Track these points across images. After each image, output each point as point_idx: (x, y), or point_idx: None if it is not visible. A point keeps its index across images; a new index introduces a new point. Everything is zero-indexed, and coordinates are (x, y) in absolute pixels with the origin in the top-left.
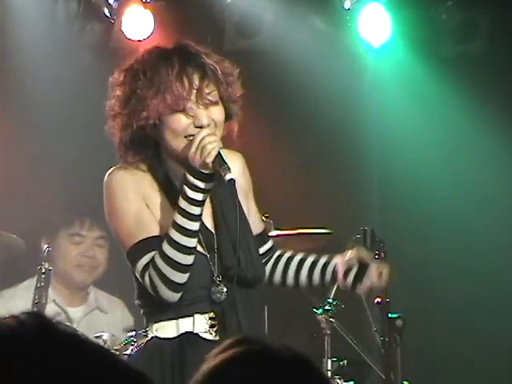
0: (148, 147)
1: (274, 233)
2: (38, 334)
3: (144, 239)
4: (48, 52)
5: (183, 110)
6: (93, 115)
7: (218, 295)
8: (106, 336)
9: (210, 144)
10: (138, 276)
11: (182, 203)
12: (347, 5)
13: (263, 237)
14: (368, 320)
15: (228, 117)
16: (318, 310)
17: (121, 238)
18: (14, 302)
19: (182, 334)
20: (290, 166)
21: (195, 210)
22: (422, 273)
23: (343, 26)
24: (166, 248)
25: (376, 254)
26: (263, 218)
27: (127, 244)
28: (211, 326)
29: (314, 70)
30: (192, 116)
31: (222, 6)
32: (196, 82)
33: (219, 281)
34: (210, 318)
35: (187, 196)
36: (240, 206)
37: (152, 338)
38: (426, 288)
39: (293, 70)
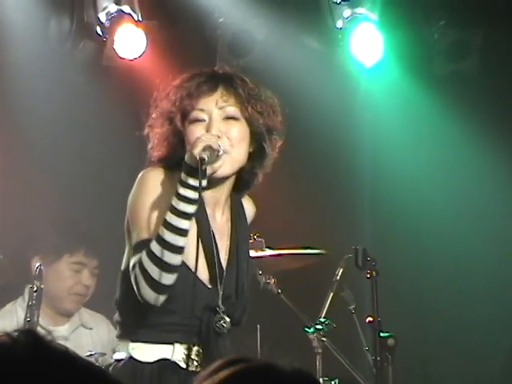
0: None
1: (265, 252)
2: (32, 351)
3: (145, 239)
4: (40, 70)
5: (198, 120)
6: (85, 133)
7: (223, 325)
8: (96, 354)
9: (201, 140)
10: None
11: (173, 200)
12: (339, 24)
13: None
14: (360, 339)
15: (255, 138)
16: (309, 328)
17: (130, 232)
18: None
19: (160, 359)
20: (281, 185)
21: (184, 208)
22: (413, 292)
23: (335, 45)
24: (153, 245)
25: (368, 273)
26: (255, 237)
27: (134, 239)
28: (188, 356)
29: (306, 90)
30: (207, 127)
31: (215, 25)
32: (218, 94)
33: (222, 312)
34: (189, 348)
35: (177, 192)
36: (248, 247)
37: (129, 357)
38: (417, 307)
39: (285, 89)
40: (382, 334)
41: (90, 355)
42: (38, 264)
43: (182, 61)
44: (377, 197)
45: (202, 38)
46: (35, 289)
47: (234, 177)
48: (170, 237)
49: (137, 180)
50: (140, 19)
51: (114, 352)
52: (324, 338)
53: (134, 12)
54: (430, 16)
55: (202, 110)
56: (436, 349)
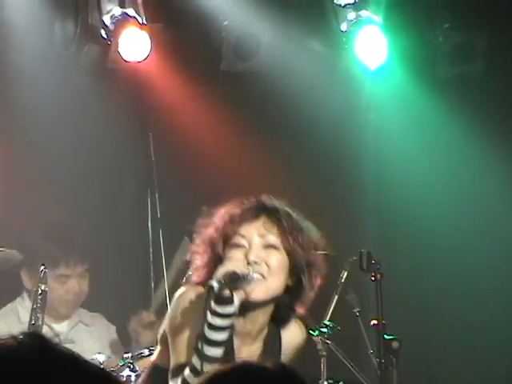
0: None
1: None
2: (37, 354)
3: (182, 363)
4: (45, 73)
5: (238, 246)
6: (90, 135)
7: None
8: (101, 357)
9: (227, 265)
10: None
11: (204, 327)
12: (344, 27)
13: None
14: (364, 342)
15: (294, 271)
16: (314, 331)
17: (168, 346)
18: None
19: None
20: (285, 187)
21: (212, 335)
22: (418, 294)
23: (340, 48)
24: (188, 375)
25: (372, 276)
26: None
27: (173, 362)
28: None
29: (310, 92)
30: (246, 253)
31: (219, 28)
32: (260, 222)
33: None
34: None
35: (206, 319)
36: None
37: None
38: (422, 310)
39: (289, 91)
40: (386, 337)
41: (94, 358)
42: (42, 267)
43: (186, 64)
44: (381, 199)
45: (206, 40)
46: (40, 292)
47: (270, 309)
48: (200, 365)
49: (175, 298)
50: (144, 22)
51: (112, 350)
52: (328, 341)
53: (139, 15)
54: (434, 19)
55: (242, 236)
56: (440, 351)
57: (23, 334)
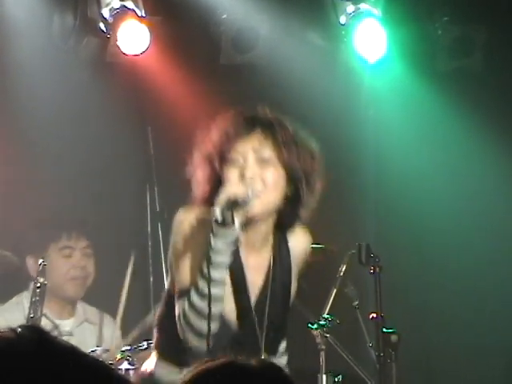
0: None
1: None
2: (36, 347)
3: (187, 286)
4: (43, 66)
5: (234, 161)
6: (89, 129)
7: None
8: (99, 351)
9: (228, 190)
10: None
11: (208, 251)
12: (343, 20)
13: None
14: (363, 335)
15: (292, 182)
16: (312, 325)
17: (173, 279)
18: (4, 317)
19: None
20: None
21: (214, 257)
22: (417, 288)
23: (339, 41)
24: (194, 297)
25: (371, 269)
26: None
27: (177, 286)
28: None
29: (309, 85)
30: (242, 169)
31: (218, 21)
32: (255, 138)
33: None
34: None
35: (210, 244)
36: (290, 288)
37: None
38: (421, 303)
39: (288, 85)
40: (385, 330)
41: (93, 351)
42: (41, 260)
43: (185, 57)
44: (380, 193)
45: (205, 33)
46: (38, 285)
47: (272, 218)
48: (206, 287)
49: (175, 222)
50: (143, 15)
51: (118, 348)
52: (327, 335)
53: (138, 8)
54: (433, 12)
55: (237, 152)
56: (439, 345)
57: (22, 326)
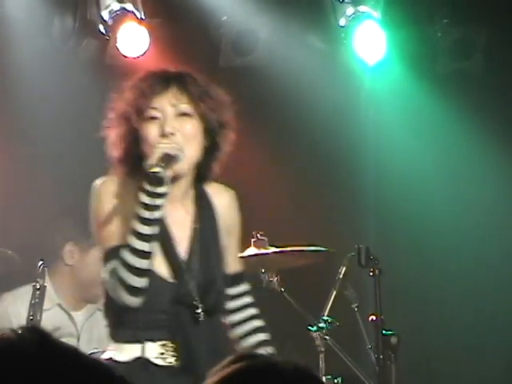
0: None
1: (269, 250)
2: (38, 348)
3: (113, 247)
4: (43, 68)
5: (152, 118)
6: (89, 131)
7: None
8: (99, 353)
9: (157, 149)
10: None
11: (138, 208)
12: (342, 22)
13: (239, 277)
14: (363, 337)
15: (208, 133)
16: (312, 327)
17: (100, 244)
18: (16, 306)
19: (134, 358)
20: (285, 182)
21: (146, 215)
22: (416, 290)
23: (338, 43)
24: (125, 254)
25: (371, 271)
26: (258, 235)
27: (103, 250)
28: (164, 353)
29: (309, 88)
30: (161, 125)
31: (218, 24)
32: (171, 93)
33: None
34: (163, 345)
35: (139, 200)
36: (217, 237)
37: (108, 358)
38: (420, 305)
39: (288, 87)
40: (384, 333)
41: (93, 353)
42: (40, 262)
43: (185, 59)
44: (380, 195)
45: (205, 36)
46: (38, 287)
47: (191, 172)
48: (138, 244)
49: (95, 190)
50: (143, 17)
51: None
52: (327, 337)
53: (137, 10)
54: (433, 14)
55: (155, 109)
56: (439, 347)
57: (23, 327)
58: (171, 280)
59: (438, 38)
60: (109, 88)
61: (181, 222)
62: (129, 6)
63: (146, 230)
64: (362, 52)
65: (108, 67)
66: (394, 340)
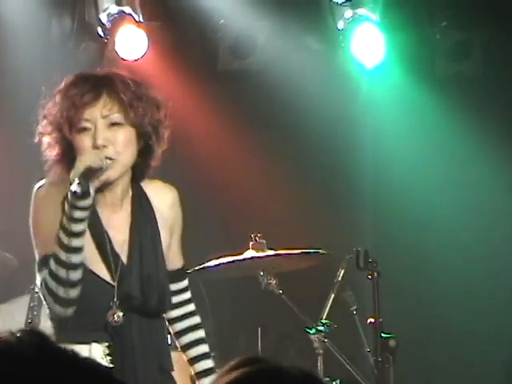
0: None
1: (267, 253)
2: (37, 351)
3: (45, 255)
4: (41, 71)
5: (84, 129)
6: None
7: (114, 319)
8: None
9: (80, 162)
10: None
11: (64, 219)
12: (340, 25)
13: (179, 274)
14: (361, 340)
15: (142, 137)
16: (310, 329)
17: (36, 249)
18: (12, 317)
19: None
20: (283, 185)
21: (73, 227)
22: (415, 293)
23: (336, 46)
24: (52, 264)
25: (369, 274)
26: (256, 237)
27: (37, 256)
28: (107, 355)
29: (307, 91)
30: (93, 136)
31: (216, 27)
32: (101, 103)
33: (116, 307)
34: (107, 347)
35: (66, 212)
36: (158, 237)
37: None
38: (419, 308)
39: (286, 90)
40: (383, 335)
41: None
42: None
43: (183, 62)
44: (379, 198)
45: (203, 39)
46: (36, 290)
47: (127, 175)
48: (65, 256)
49: (34, 193)
50: (141, 20)
51: None
52: (325, 339)
53: (136, 13)
54: (432, 17)
55: (87, 120)
56: (437, 350)
57: (22, 331)
58: (111, 282)
59: (436, 40)
60: None
61: (120, 225)
62: (127, 9)
63: (70, 241)
64: (360, 55)
65: None
66: (392, 343)
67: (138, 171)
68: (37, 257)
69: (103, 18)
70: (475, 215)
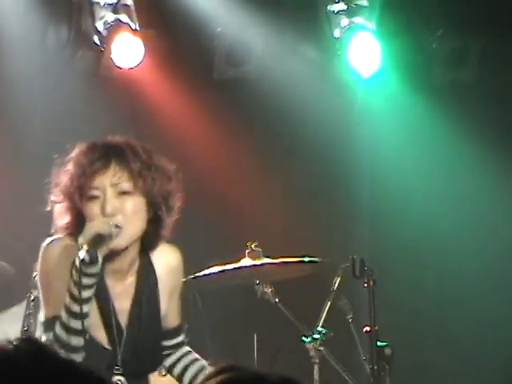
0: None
1: (263, 261)
2: (34, 359)
3: (52, 316)
4: (38, 80)
5: (94, 197)
6: (83, 142)
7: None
8: None
9: (90, 228)
10: None
11: (71, 285)
12: (337, 33)
13: (175, 331)
14: (357, 348)
15: (151, 206)
16: (307, 338)
17: (43, 306)
18: (3, 328)
19: None
20: (279, 194)
21: (76, 293)
22: (411, 301)
23: (333, 54)
24: (57, 329)
25: (365, 283)
26: (252, 246)
27: (42, 315)
28: None
29: (303, 99)
30: (102, 205)
31: (212, 35)
32: (111, 171)
33: (116, 373)
34: None
35: (72, 278)
36: (157, 305)
37: None
38: (415, 317)
39: (282, 99)
40: (379, 344)
41: None
42: (35, 273)
43: (179, 70)
44: (375, 207)
45: (199, 47)
46: (32, 298)
47: (136, 244)
48: (71, 322)
49: (42, 250)
50: (137, 28)
51: None
52: (321, 348)
53: (132, 21)
54: (428, 25)
55: (96, 188)
56: (433, 358)
57: (19, 339)
58: (108, 347)
59: (432, 48)
60: (103, 99)
61: (123, 293)
62: (123, 17)
63: (76, 308)
64: (356, 63)
65: (103, 78)
66: (388, 351)
67: (148, 241)
68: (43, 315)
69: (100, 26)
70: (473, 223)
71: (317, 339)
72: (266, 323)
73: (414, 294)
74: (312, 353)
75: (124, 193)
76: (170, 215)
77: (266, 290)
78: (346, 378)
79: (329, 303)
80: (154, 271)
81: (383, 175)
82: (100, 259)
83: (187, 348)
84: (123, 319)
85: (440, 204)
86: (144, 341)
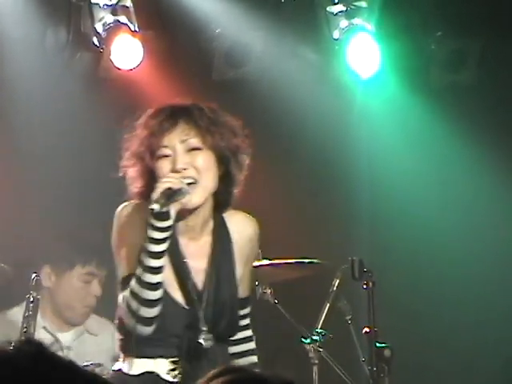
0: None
1: (262, 262)
2: (34, 361)
3: (128, 274)
4: (37, 81)
5: (165, 156)
6: (84, 144)
7: (204, 341)
8: (92, 365)
9: (160, 184)
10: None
11: (145, 241)
12: (336, 35)
13: (246, 301)
14: (356, 350)
15: (221, 162)
16: (306, 339)
17: (118, 268)
18: (3, 328)
19: (145, 372)
20: (278, 195)
21: (153, 248)
22: (410, 303)
23: (332, 56)
24: (133, 285)
25: (364, 284)
26: None
27: (119, 275)
28: (172, 370)
29: (302, 101)
30: (173, 161)
31: (211, 36)
32: (179, 129)
33: (203, 330)
34: (173, 362)
35: (147, 234)
36: (233, 271)
37: (118, 370)
38: (414, 318)
39: (281, 100)
40: (378, 345)
41: (86, 366)
42: (34, 274)
43: (178, 71)
44: (374, 208)
45: (198, 48)
46: (32, 299)
47: (209, 202)
48: (145, 276)
49: (116, 214)
50: (137, 29)
51: (115, 360)
52: (320, 349)
53: (131, 22)
54: (427, 26)
55: (166, 147)
56: (433, 359)
57: (19, 340)
58: (186, 306)
59: (431, 50)
60: (102, 100)
61: (198, 253)
62: (122, 19)
63: (151, 262)
64: (355, 65)
65: (101, 80)
66: (387, 353)
67: (220, 198)
68: (119, 276)
69: (99, 27)
70: (473, 225)
71: (316, 340)
72: (265, 324)
73: (414, 295)
74: (311, 354)
75: (194, 148)
76: (240, 171)
77: (265, 291)
78: (345, 379)
79: (328, 304)
80: (229, 234)
81: (382, 177)
82: (173, 214)
83: (249, 332)
84: (199, 279)
85: (439, 206)
86: (223, 304)
